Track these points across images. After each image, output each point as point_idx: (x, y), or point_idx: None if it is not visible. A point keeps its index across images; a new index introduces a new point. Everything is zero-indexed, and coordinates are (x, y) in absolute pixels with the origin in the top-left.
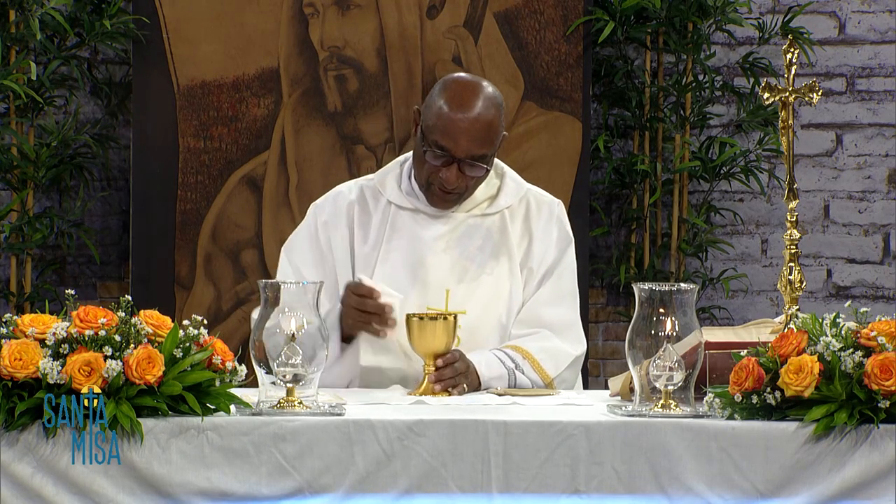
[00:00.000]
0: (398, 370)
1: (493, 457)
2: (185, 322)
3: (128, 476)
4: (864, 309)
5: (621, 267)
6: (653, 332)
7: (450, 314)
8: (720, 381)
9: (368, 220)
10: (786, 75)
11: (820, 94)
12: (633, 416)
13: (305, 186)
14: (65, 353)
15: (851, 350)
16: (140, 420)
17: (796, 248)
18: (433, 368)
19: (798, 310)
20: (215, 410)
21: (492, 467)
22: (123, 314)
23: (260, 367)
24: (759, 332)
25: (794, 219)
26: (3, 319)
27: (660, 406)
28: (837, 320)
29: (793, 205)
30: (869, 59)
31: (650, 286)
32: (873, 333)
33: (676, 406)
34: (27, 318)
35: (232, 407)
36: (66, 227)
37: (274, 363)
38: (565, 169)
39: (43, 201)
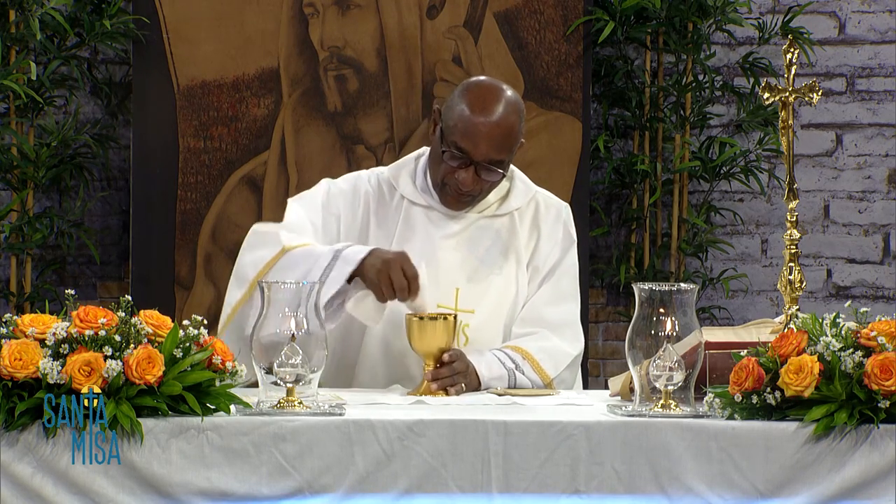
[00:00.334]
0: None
1: (493, 457)
2: (185, 322)
3: (128, 476)
4: (864, 309)
5: (621, 267)
6: (653, 332)
7: (449, 314)
8: (720, 381)
9: (384, 211)
10: (786, 75)
11: (820, 94)
12: (633, 416)
13: (305, 186)
14: (65, 353)
15: (851, 350)
16: (140, 420)
17: (796, 248)
18: (433, 368)
19: (798, 310)
20: (215, 410)
21: (492, 467)
22: (123, 314)
23: (260, 367)
24: (759, 332)
25: (794, 219)
26: (3, 319)
27: (660, 406)
28: (837, 320)
29: (793, 205)
30: (869, 59)
31: (650, 286)
32: (873, 333)
33: (676, 406)
34: (27, 318)
35: (232, 407)
36: (66, 227)
37: (274, 363)
38: (565, 169)
39: (43, 201)
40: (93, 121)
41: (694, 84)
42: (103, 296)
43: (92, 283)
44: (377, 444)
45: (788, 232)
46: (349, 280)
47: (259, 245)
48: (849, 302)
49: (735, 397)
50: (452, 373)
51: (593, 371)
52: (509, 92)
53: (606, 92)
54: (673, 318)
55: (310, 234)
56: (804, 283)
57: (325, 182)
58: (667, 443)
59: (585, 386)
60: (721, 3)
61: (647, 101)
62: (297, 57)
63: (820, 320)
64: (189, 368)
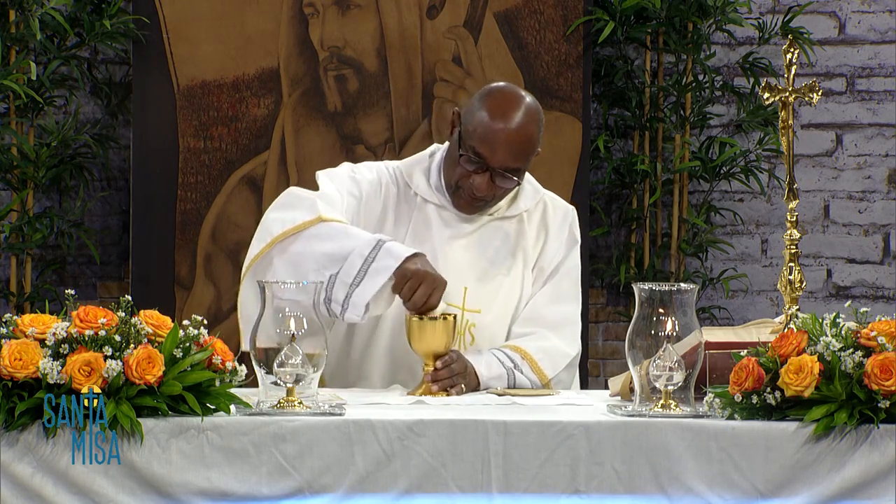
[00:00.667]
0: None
1: (493, 457)
2: (185, 322)
3: (128, 476)
4: (864, 309)
5: (621, 267)
6: (653, 332)
7: (449, 315)
8: (720, 381)
9: (400, 206)
10: (786, 75)
11: (820, 94)
12: (633, 416)
13: (305, 186)
14: (65, 353)
15: (851, 350)
16: (140, 420)
17: (796, 248)
18: (432, 369)
19: (798, 310)
20: (215, 410)
21: (492, 467)
22: (123, 314)
23: (260, 367)
24: (759, 332)
25: (794, 219)
26: (3, 319)
27: (660, 406)
28: (837, 320)
29: (793, 205)
30: (869, 59)
31: (650, 286)
32: (873, 333)
33: (676, 406)
34: (27, 318)
35: (232, 407)
36: (66, 227)
37: (274, 363)
38: (565, 169)
39: (43, 201)
40: (93, 121)
41: (694, 84)
42: (103, 296)
43: (92, 283)
44: (377, 444)
45: (788, 232)
46: None
47: (293, 206)
48: (849, 302)
49: (735, 397)
50: (451, 374)
51: (593, 371)
52: (529, 100)
53: (606, 92)
54: (673, 318)
55: (341, 210)
56: (804, 283)
57: (348, 165)
58: (667, 443)
59: (585, 386)
60: (721, 3)
61: (647, 101)
62: (297, 57)
63: (820, 320)
64: (189, 368)
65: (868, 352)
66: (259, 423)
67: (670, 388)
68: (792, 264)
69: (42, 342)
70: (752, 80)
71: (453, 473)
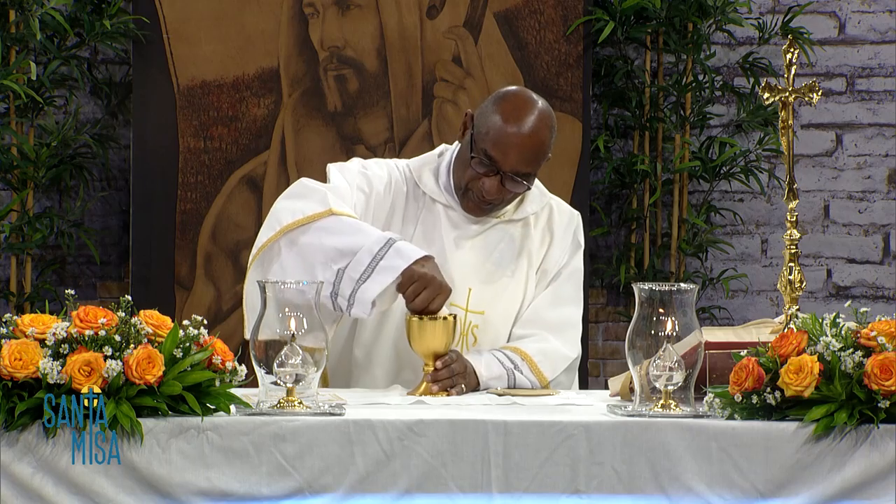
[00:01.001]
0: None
1: (493, 457)
2: (185, 322)
3: (128, 476)
4: (864, 309)
5: (621, 267)
6: (653, 332)
7: (449, 315)
8: (720, 381)
9: (408, 204)
10: (786, 75)
11: (820, 94)
12: (633, 416)
13: None
14: (65, 353)
15: (851, 350)
16: (140, 420)
17: (796, 248)
18: (432, 369)
19: (798, 310)
20: (215, 410)
21: (492, 467)
22: (123, 314)
23: (260, 367)
24: (759, 332)
25: (794, 219)
26: (3, 319)
27: (660, 406)
28: (837, 320)
29: (793, 205)
30: (869, 59)
31: (650, 286)
32: (873, 333)
33: (676, 406)
34: (27, 318)
35: (232, 407)
36: (66, 227)
37: (274, 363)
38: (565, 169)
39: (43, 201)
40: (93, 121)
41: (694, 84)
42: (103, 296)
43: (92, 283)
44: (377, 444)
45: (788, 232)
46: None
47: (304, 196)
48: (849, 302)
49: (735, 397)
50: (451, 374)
51: (593, 371)
52: (543, 105)
53: (606, 92)
54: (673, 318)
55: (351, 203)
56: (804, 283)
57: (359, 160)
58: (667, 443)
59: (584, 387)
60: (721, 3)
61: (647, 101)
62: (297, 57)
63: (820, 320)
64: (189, 368)
65: (868, 352)
66: (259, 423)
67: (670, 388)
68: (792, 264)
69: (42, 342)
70: (752, 80)
71: (453, 473)
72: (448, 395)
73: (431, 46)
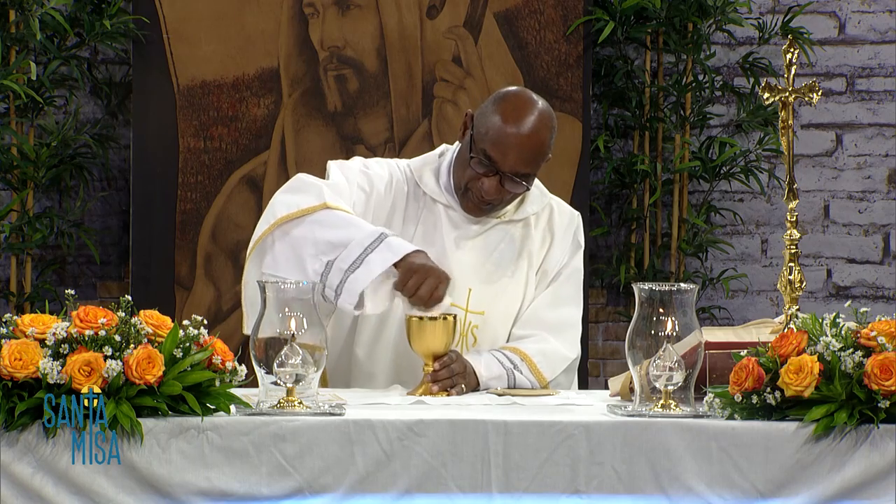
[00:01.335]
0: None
1: (493, 457)
2: (185, 322)
3: (128, 476)
4: (864, 309)
5: (621, 267)
6: (653, 332)
7: (449, 315)
8: (720, 381)
9: (408, 204)
10: (786, 75)
11: (820, 94)
12: (633, 416)
13: None
14: (65, 353)
15: (851, 350)
16: (140, 420)
17: (796, 248)
18: (432, 369)
19: (798, 310)
20: (215, 410)
21: (492, 467)
22: (123, 314)
23: (260, 367)
24: (759, 332)
25: (794, 219)
26: (3, 319)
27: (660, 406)
28: (837, 320)
29: (793, 205)
30: (869, 59)
31: (650, 286)
32: (873, 333)
33: (676, 406)
34: (27, 318)
35: (232, 407)
36: (66, 227)
37: (274, 363)
38: (565, 169)
39: (43, 201)
40: (93, 121)
41: (694, 84)
42: (103, 296)
43: (92, 283)
44: (377, 444)
45: (788, 232)
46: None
47: (300, 190)
48: (849, 302)
49: (735, 397)
50: (451, 374)
51: (593, 371)
52: (543, 106)
53: (606, 92)
54: (673, 318)
55: (348, 200)
56: (804, 283)
57: (360, 159)
58: (667, 443)
59: (584, 387)
60: (721, 3)
61: (647, 101)
62: (297, 57)
63: (820, 320)
64: (189, 368)
65: (868, 352)
66: (259, 423)
67: (670, 388)
68: (792, 264)
69: (42, 342)
70: (752, 80)
71: (453, 473)
72: (448, 395)
73: (431, 46)
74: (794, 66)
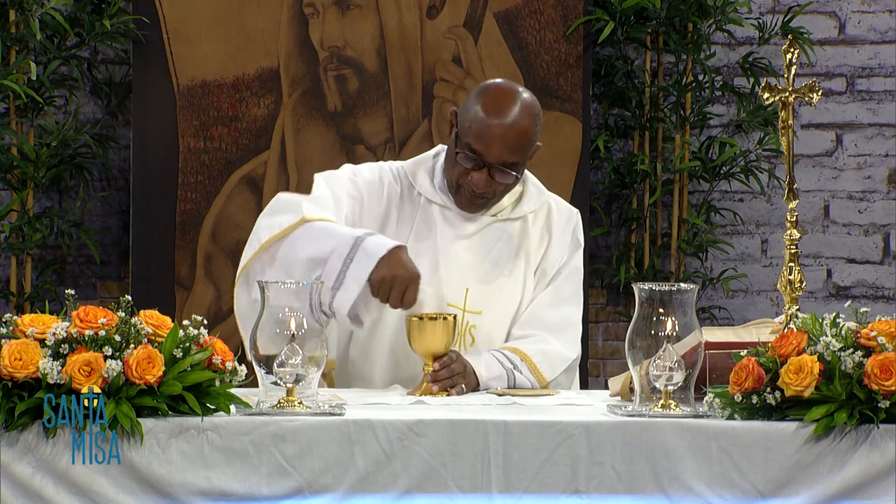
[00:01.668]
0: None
1: (493, 457)
2: (185, 322)
3: (128, 476)
4: (864, 309)
5: (621, 267)
6: (653, 332)
7: (449, 315)
8: (720, 381)
9: (404, 206)
10: (786, 75)
11: (820, 94)
12: (633, 416)
13: (305, 186)
14: (65, 353)
15: (851, 350)
16: (140, 420)
17: (796, 248)
18: (432, 369)
19: (798, 310)
20: (215, 410)
21: (492, 467)
22: (123, 314)
23: (260, 367)
24: (759, 332)
25: (794, 219)
26: (3, 319)
27: (660, 406)
28: (837, 320)
29: (793, 205)
30: (869, 59)
31: (650, 286)
32: (873, 333)
33: (676, 406)
34: (27, 318)
35: (232, 407)
36: (66, 227)
37: (274, 363)
38: (565, 169)
39: (43, 201)
40: (93, 121)
41: (694, 84)
42: (103, 296)
43: (92, 283)
44: (377, 444)
45: (788, 232)
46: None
47: (279, 211)
48: (849, 302)
49: (735, 397)
50: (451, 374)
51: (593, 371)
52: (525, 94)
53: (606, 92)
54: (673, 318)
55: (332, 209)
56: (804, 283)
57: (349, 167)
58: (667, 443)
59: (584, 387)
60: (721, 3)
61: (647, 101)
62: (297, 57)
63: (820, 320)
64: (189, 368)
65: (868, 352)
66: (259, 423)
67: (670, 388)
68: (792, 264)
69: (42, 342)
70: (752, 80)
71: (453, 473)
72: (448, 395)
73: (431, 46)
74: (794, 66)
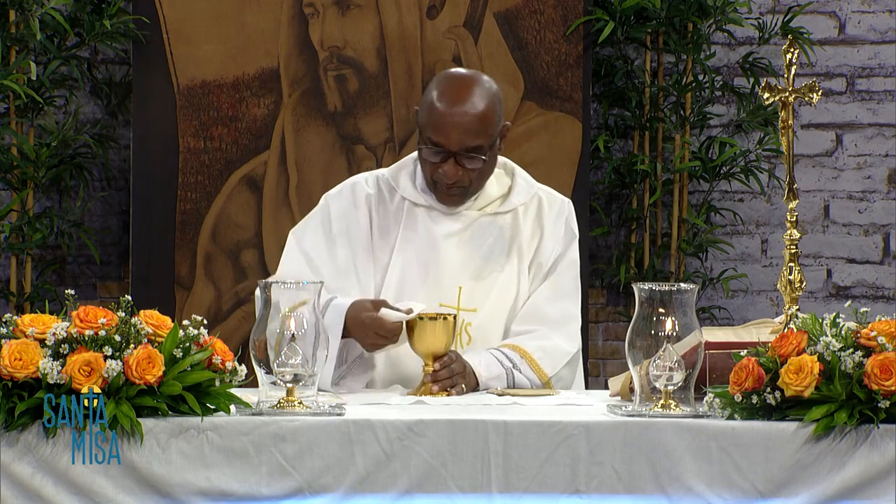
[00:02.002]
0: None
1: (493, 457)
2: (185, 322)
3: (128, 476)
4: (864, 309)
5: (621, 267)
6: (653, 332)
7: (449, 315)
8: (720, 381)
9: (385, 213)
10: (786, 75)
11: (820, 94)
12: (633, 416)
13: (305, 186)
14: (65, 353)
15: (851, 350)
16: (140, 420)
17: (796, 248)
18: (432, 369)
19: (798, 310)
20: (215, 410)
21: (492, 467)
22: (123, 314)
23: (260, 367)
24: (759, 332)
25: (794, 219)
26: (3, 319)
27: (660, 406)
28: (837, 320)
29: (793, 205)
30: (869, 59)
31: (650, 286)
32: (873, 333)
33: (676, 406)
34: (27, 318)
35: (232, 407)
36: (66, 227)
37: (274, 363)
38: (565, 169)
39: (43, 201)
40: (93, 121)
41: (694, 84)
42: (103, 296)
43: (92, 283)
44: (377, 444)
45: (788, 232)
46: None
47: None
48: (849, 302)
49: (735, 397)
50: (451, 374)
51: (593, 371)
52: (478, 77)
53: (606, 92)
54: (673, 318)
55: (310, 273)
56: (804, 283)
57: (323, 203)
58: (667, 443)
59: (586, 384)
60: (721, 3)
61: (647, 101)
62: (297, 57)
63: (820, 320)
64: (189, 368)
65: (868, 352)
66: (259, 423)
67: (670, 388)
68: (792, 264)
69: (42, 342)
70: (752, 80)
71: (453, 473)
72: (448, 395)
73: (431, 46)
74: (794, 66)
